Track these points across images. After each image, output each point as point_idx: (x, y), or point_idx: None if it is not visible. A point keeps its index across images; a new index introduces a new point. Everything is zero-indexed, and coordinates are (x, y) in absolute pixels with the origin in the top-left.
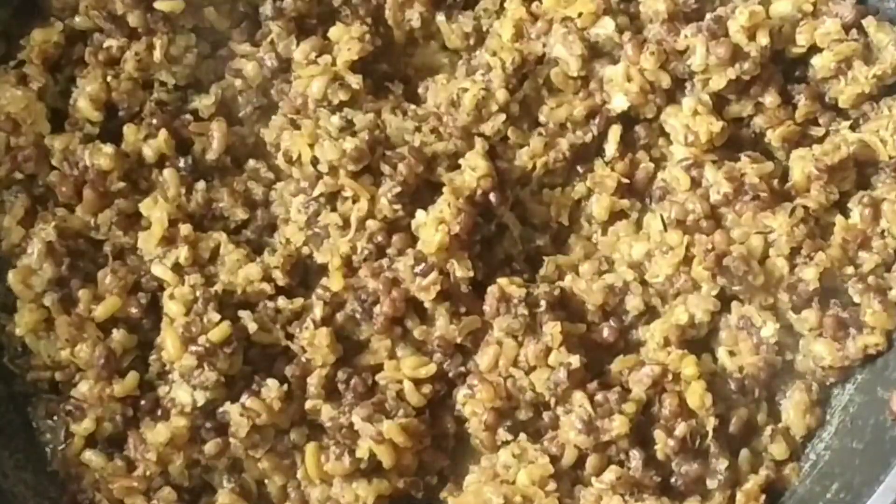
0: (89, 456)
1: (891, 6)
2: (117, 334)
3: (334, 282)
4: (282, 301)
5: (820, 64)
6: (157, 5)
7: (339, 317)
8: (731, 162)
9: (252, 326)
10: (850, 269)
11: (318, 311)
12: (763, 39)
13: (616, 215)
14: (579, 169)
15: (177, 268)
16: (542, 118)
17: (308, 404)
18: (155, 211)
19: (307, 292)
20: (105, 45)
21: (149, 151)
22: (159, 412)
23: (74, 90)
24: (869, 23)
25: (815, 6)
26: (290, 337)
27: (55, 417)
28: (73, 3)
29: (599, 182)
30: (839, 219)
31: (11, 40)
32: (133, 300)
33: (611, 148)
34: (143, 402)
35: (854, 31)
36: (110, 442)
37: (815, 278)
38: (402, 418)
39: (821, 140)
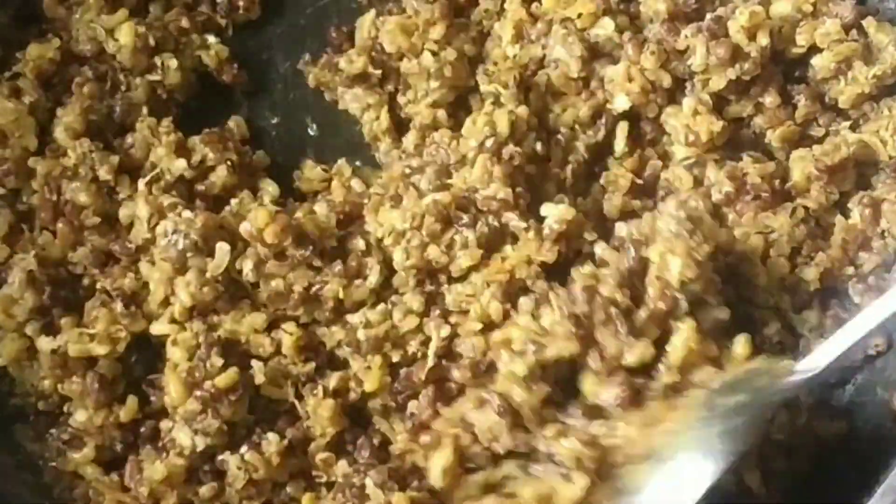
0: (84, 468)
1: (891, 6)
2: (103, 363)
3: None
4: (295, 366)
5: (820, 64)
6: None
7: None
8: (733, 162)
9: (260, 378)
10: (850, 270)
11: (332, 382)
12: (763, 40)
13: (626, 215)
14: (596, 170)
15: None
16: (549, 124)
17: (320, 456)
18: (154, 273)
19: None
20: (89, 74)
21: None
22: (160, 444)
23: (58, 113)
24: (869, 23)
25: (815, 6)
26: (299, 397)
27: (46, 438)
28: (63, 16)
29: (613, 181)
30: (839, 219)
31: (9, 47)
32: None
33: (620, 144)
34: (142, 430)
35: (854, 31)
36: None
37: (815, 278)
38: (415, 491)
39: (821, 140)
